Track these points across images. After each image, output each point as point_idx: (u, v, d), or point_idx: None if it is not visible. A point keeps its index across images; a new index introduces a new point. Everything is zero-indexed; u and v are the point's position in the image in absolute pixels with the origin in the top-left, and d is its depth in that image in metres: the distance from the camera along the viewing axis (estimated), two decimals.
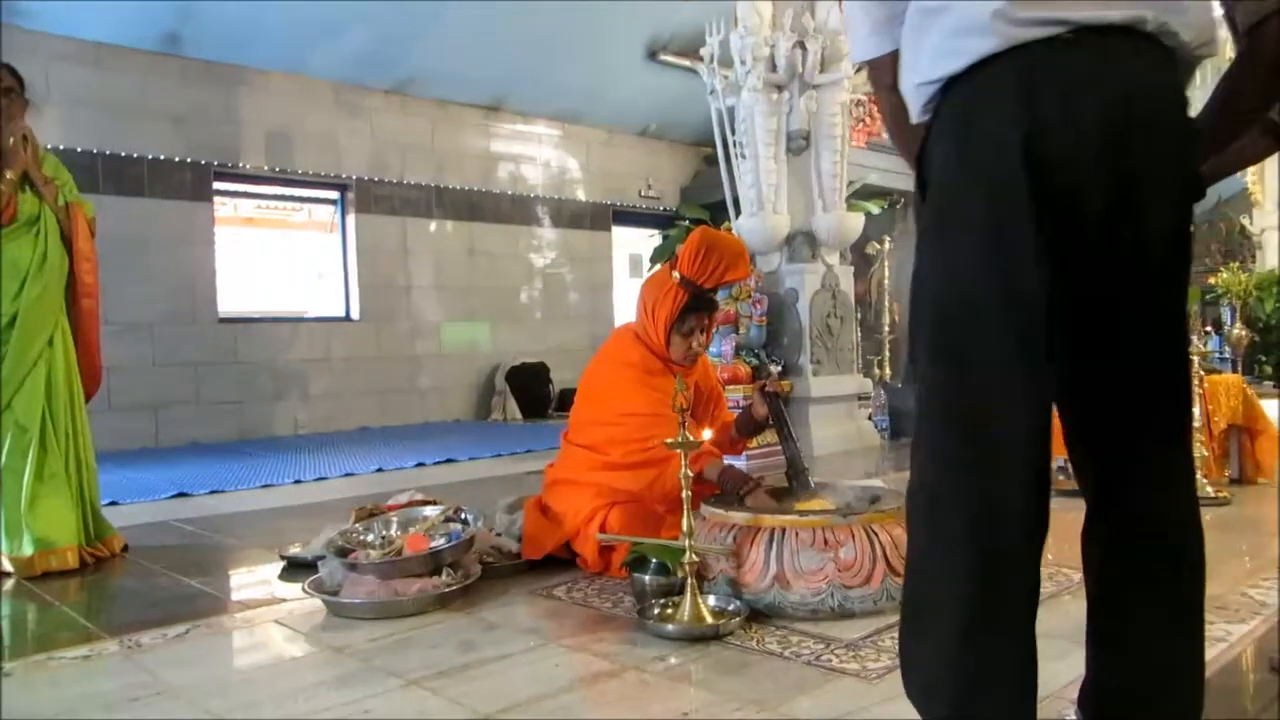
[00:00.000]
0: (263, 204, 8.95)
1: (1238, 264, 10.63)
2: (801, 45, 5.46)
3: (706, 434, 2.61)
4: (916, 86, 1.21)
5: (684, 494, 2.26)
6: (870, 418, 6.48)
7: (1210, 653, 1.93)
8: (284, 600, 2.68)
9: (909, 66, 1.24)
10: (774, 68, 5.53)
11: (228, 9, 7.17)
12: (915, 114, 1.24)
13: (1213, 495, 3.54)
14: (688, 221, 9.23)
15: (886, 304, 10.67)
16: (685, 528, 2.25)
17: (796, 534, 2.32)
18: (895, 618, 2.22)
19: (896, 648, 2.03)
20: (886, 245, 10.53)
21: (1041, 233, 1.10)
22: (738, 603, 2.28)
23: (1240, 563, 2.67)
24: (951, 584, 1.16)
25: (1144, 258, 1.14)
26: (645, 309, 2.92)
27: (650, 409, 2.74)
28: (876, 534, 2.33)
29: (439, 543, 2.60)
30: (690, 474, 2.28)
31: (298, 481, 5.23)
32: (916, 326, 1.25)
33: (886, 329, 10.41)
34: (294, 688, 1.97)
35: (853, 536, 2.31)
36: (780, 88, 5.57)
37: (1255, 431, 3.95)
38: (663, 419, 2.68)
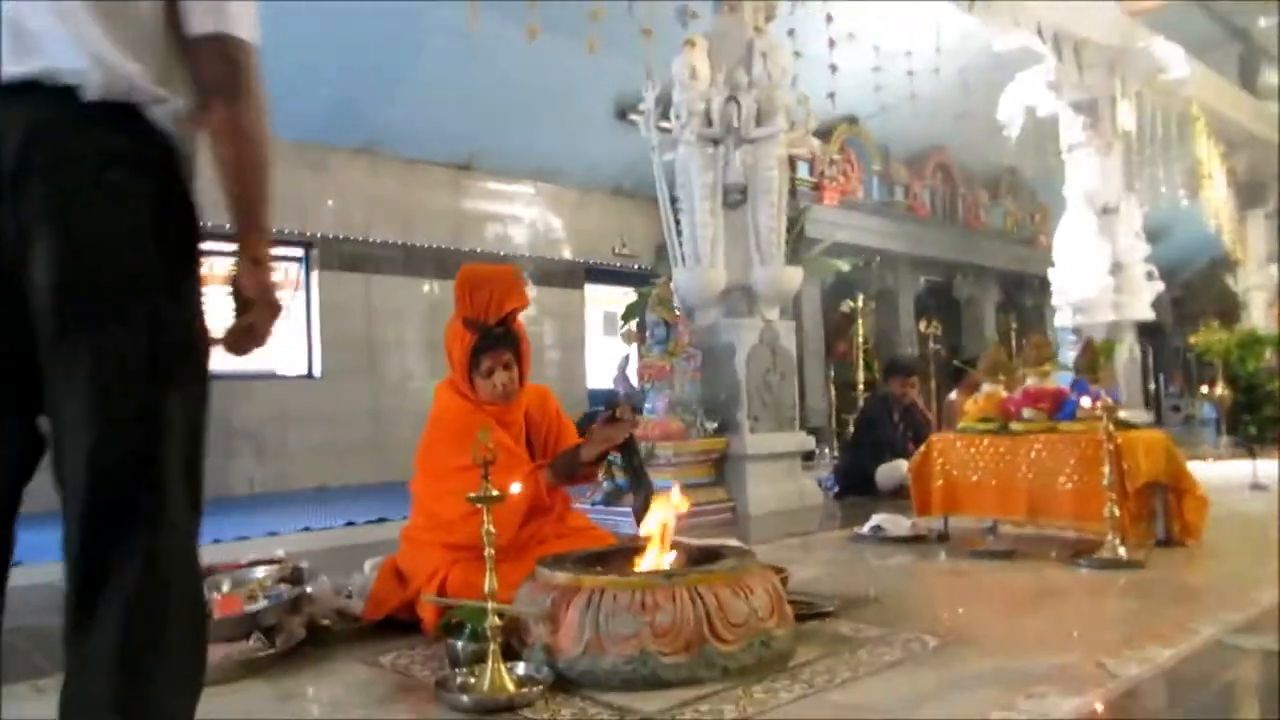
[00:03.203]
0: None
1: (1217, 323, 10.49)
2: (735, 100, 5.43)
3: (515, 487, 2.46)
4: None
5: (487, 552, 2.12)
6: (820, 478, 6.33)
7: None
8: None
9: None
10: (709, 122, 5.50)
11: None
12: None
13: (1125, 558, 3.35)
14: (663, 278, 9.21)
15: (862, 362, 10.53)
16: (487, 588, 2.10)
17: (615, 596, 2.17)
18: (711, 687, 2.07)
19: (684, 719, 1.88)
20: (860, 303, 10.43)
21: None
22: (547, 670, 2.13)
23: (1115, 631, 2.48)
24: None
25: (62, 315, 1.13)
26: (447, 356, 2.83)
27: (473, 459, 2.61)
28: (701, 596, 2.18)
29: (257, 605, 2.46)
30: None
31: (216, 541, 5.08)
32: None
33: (861, 387, 10.26)
34: None
35: (674, 600, 2.15)
36: (716, 142, 5.53)
37: (1180, 490, 3.76)
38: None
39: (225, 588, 2.64)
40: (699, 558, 2.47)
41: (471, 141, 9.34)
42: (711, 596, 2.19)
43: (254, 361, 7.90)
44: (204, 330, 1.27)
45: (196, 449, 1.27)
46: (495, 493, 2.12)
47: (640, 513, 2.54)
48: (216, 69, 1.19)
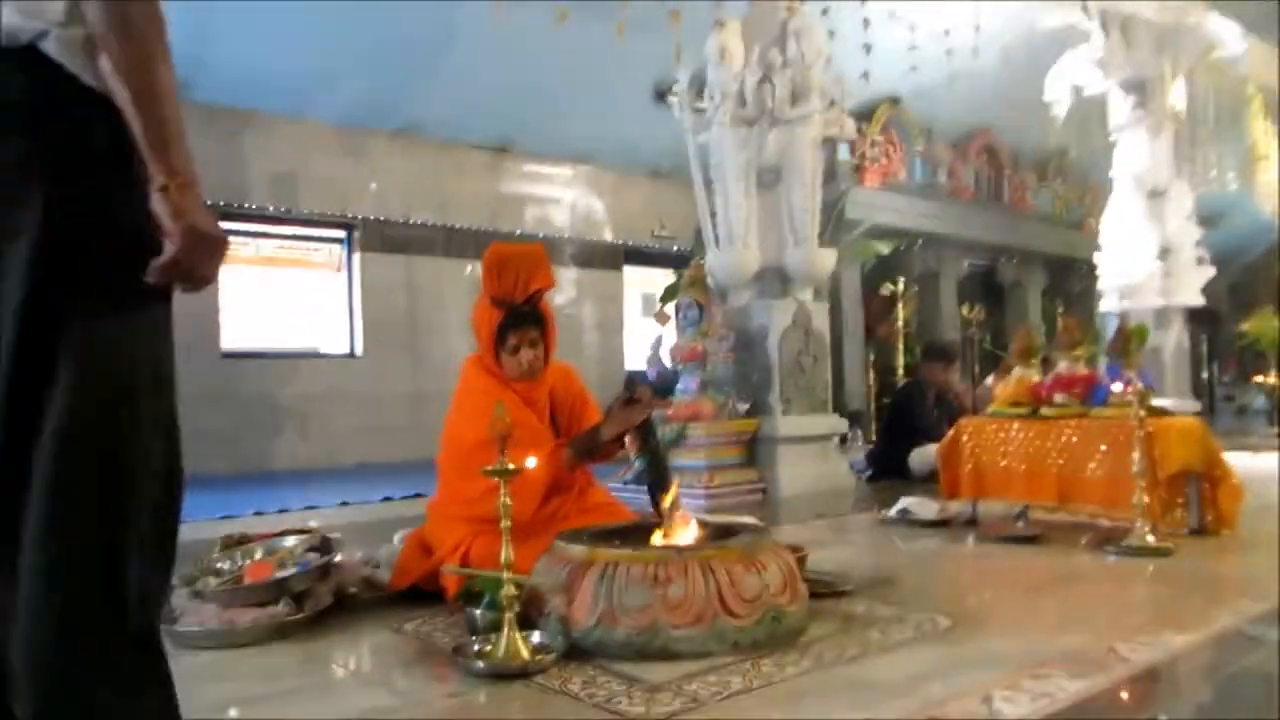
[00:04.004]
0: (283, 244, 9.15)
1: (1272, 310, 10.22)
2: (769, 80, 5.41)
3: (531, 461, 2.50)
4: None
5: (503, 524, 2.17)
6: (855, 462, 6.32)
7: (1031, 707, 1.78)
8: None
9: None
10: (743, 103, 5.48)
11: (234, 56, 7.37)
12: None
13: (1153, 545, 3.32)
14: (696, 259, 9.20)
15: (902, 346, 10.44)
16: (503, 559, 2.15)
17: (628, 569, 2.21)
18: (721, 660, 2.11)
19: (691, 689, 1.92)
20: (901, 286, 10.33)
21: None
22: (561, 640, 2.18)
23: (1133, 617, 2.47)
24: None
25: None
26: (474, 334, 2.88)
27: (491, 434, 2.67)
28: (714, 571, 2.21)
29: (286, 572, 2.54)
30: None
31: (257, 513, 5.23)
32: None
33: (901, 371, 10.17)
34: None
35: (685, 573, 2.19)
36: (750, 123, 5.51)
37: (1214, 479, 3.70)
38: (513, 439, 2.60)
39: (257, 555, 2.73)
40: (715, 534, 2.51)
41: (508, 124, 9.40)
42: (724, 572, 2.22)
43: (298, 340, 8.04)
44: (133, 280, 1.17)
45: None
46: (511, 466, 2.17)
47: (655, 492, 2.58)
48: (98, 7, 1.16)
